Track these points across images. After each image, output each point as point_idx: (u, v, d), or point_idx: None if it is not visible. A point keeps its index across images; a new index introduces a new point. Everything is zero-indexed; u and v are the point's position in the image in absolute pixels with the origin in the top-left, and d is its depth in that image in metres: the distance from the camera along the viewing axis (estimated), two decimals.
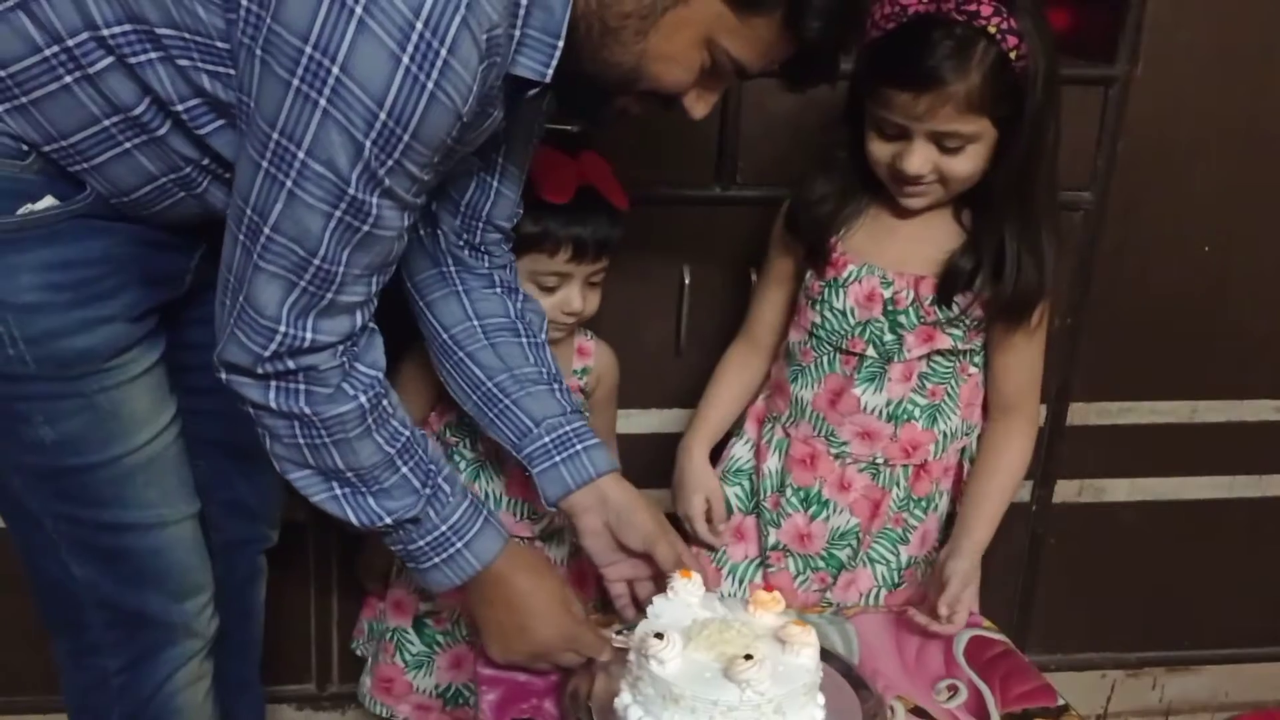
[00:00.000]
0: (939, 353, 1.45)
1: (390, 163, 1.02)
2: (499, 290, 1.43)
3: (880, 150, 1.38)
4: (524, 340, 1.42)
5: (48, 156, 1.13)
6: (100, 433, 1.23)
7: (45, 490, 1.25)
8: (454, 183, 1.35)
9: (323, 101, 0.98)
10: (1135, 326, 1.91)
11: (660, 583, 1.29)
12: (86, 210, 1.17)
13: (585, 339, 1.66)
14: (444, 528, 1.23)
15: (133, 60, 1.08)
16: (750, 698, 1.04)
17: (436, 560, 1.24)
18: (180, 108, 1.10)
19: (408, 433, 1.21)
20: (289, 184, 1.02)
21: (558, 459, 1.37)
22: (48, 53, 1.07)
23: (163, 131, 1.13)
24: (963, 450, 1.52)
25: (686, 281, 1.76)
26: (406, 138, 1.01)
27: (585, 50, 1.09)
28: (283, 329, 1.09)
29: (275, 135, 1.01)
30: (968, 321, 1.43)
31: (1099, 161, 1.80)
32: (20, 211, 1.13)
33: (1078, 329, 1.89)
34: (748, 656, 1.05)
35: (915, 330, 1.44)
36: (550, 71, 1.09)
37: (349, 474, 1.18)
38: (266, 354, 1.10)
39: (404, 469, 1.20)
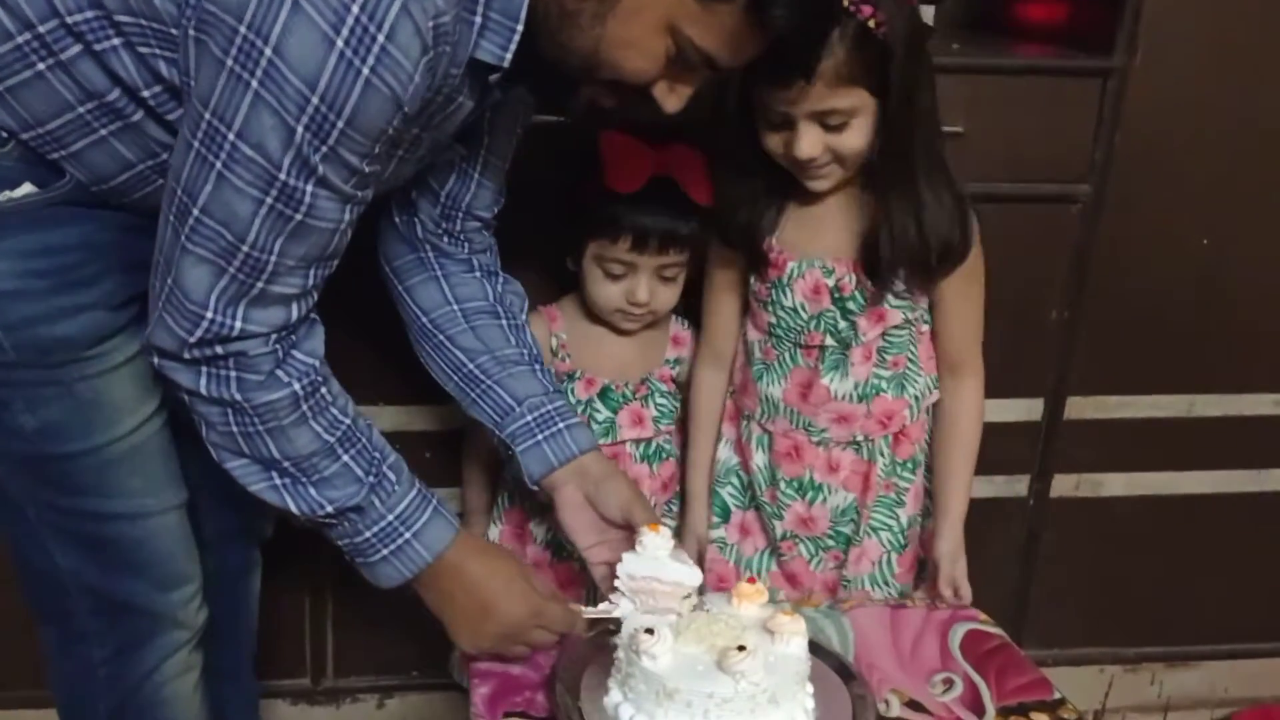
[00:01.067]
0: (893, 326, 1.47)
1: (324, 149, 1.00)
2: (478, 274, 1.43)
3: (773, 141, 1.38)
4: (504, 322, 1.42)
5: (26, 144, 1.13)
6: (81, 421, 1.22)
7: (27, 477, 1.24)
8: (434, 173, 1.34)
9: (254, 83, 0.97)
10: (1132, 320, 1.90)
11: None
12: (66, 197, 1.16)
13: (681, 328, 1.65)
14: (390, 517, 1.20)
15: (98, 47, 1.07)
16: (745, 688, 1.03)
17: (385, 552, 1.21)
18: (146, 94, 1.10)
19: (348, 420, 1.19)
20: (218, 165, 1.01)
21: (540, 437, 1.37)
22: (20, 40, 1.07)
23: (137, 118, 1.12)
24: (931, 408, 1.55)
25: None
26: (341, 124, 0.99)
27: (544, 35, 1.07)
28: (209, 315, 1.07)
29: (207, 115, 0.99)
30: (905, 290, 1.45)
31: (1096, 154, 1.79)
32: None
33: (1074, 322, 1.88)
34: (740, 648, 1.05)
35: (865, 313, 1.46)
36: (508, 56, 1.08)
37: (286, 463, 1.16)
38: (192, 340, 1.08)
39: (344, 457, 1.18)
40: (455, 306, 1.41)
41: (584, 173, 1.51)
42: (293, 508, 1.18)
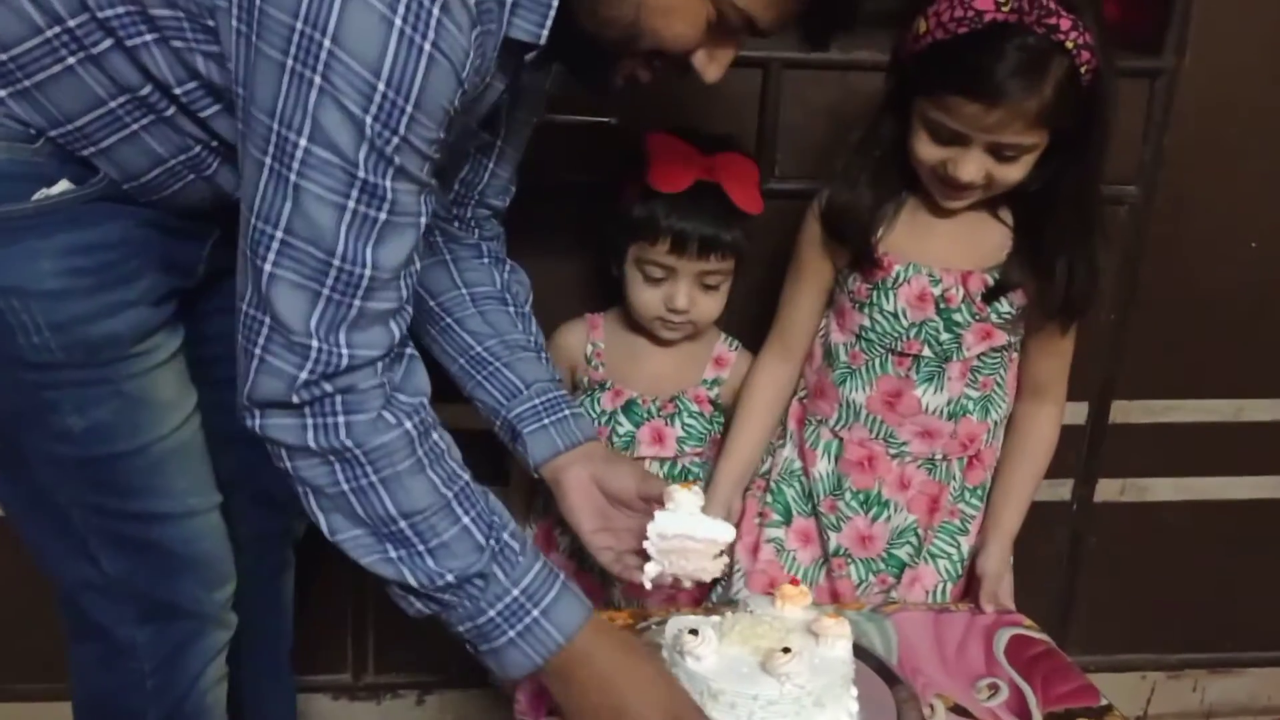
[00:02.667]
0: (994, 348, 1.45)
1: (396, 139, 0.98)
2: (486, 260, 1.41)
3: (930, 153, 1.35)
4: (510, 309, 1.40)
5: (55, 141, 1.11)
6: (130, 420, 1.20)
7: (76, 481, 1.22)
8: (450, 160, 1.32)
9: (317, 79, 0.94)
10: (1180, 323, 1.88)
11: (643, 553, 1.25)
12: (102, 193, 1.14)
13: (727, 348, 1.61)
14: (516, 591, 1.10)
15: (130, 43, 1.05)
16: (790, 690, 1.03)
17: (511, 634, 1.10)
18: (179, 90, 1.08)
19: (466, 476, 1.11)
20: (293, 177, 0.97)
21: (546, 421, 1.35)
22: (49, 34, 1.05)
23: (170, 112, 1.10)
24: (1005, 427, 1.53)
25: None
26: (409, 108, 0.97)
27: (581, 8, 1.06)
28: (315, 344, 1.02)
29: (274, 125, 0.97)
30: (1016, 315, 1.43)
31: (1145, 155, 1.78)
32: (35, 196, 1.11)
33: (1122, 325, 1.87)
34: (785, 650, 1.04)
35: (972, 328, 1.43)
36: (544, 33, 1.06)
37: (403, 524, 1.07)
38: (303, 376, 1.03)
39: (465, 519, 1.09)
40: (464, 291, 1.39)
41: (628, 174, 1.50)
42: (410, 579, 1.09)
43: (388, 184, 1.00)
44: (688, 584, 1.26)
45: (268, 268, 1.00)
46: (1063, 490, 1.96)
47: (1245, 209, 1.84)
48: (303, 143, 0.96)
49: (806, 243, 1.50)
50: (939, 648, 1.33)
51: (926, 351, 1.44)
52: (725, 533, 1.19)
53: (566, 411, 1.36)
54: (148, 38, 1.05)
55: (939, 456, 1.48)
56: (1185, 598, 2.07)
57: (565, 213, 1.66)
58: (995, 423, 1.49)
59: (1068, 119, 1.30)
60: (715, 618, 1.15)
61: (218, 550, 1.32)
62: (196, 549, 1.29)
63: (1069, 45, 1.25)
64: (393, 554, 1.08)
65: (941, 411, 1.46)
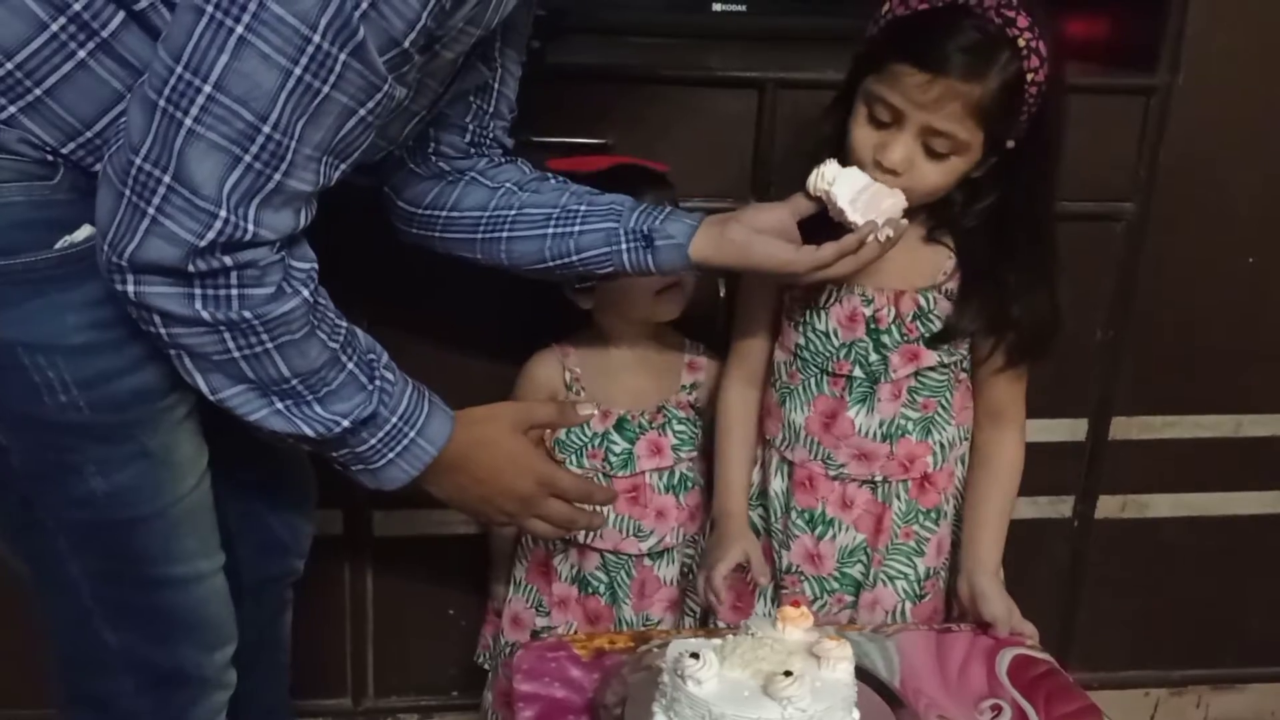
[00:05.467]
0: (927, 368, 1.43)
1: (365, 5, 0.92)
2: (506, 160, 1.41)
3: (865, 137, 1.32)
4: (552, 179, 1.39)
5: (73, 163, 1.04)
6: (152, 481, 1.15)
7: (90, 551, 1.16)
8: (459, 100, 1.32)
9: None
10: (1178, 339, 1.88)
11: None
12: None
13: (695, 355, 1.63)
14: (394, 419, 1.14)
15: (138, 6, 0.99)
16: (792, 714, 1.02)
17: (390, 455, 1.16)
18: None
19: (344, 324, 1.11)
20: (239, 29, 0.90)
21: (665, 213, 1.33)
22: (54, 27, 0.99)
23: None
24: (962, 457, 1.50)
25: (721, 294, 1.75)
26: None
27: None
28: (223, 213, 0.95)
29: None
30: (959, 356, 1.43)
31: (1140, 172, 1.78)
32: (59, 245, 1.05)
33: (1119, 342, 1.87)
34: (787, 673, 1.04)
35: (899, 350, 1.41)
36: None
37: (294, 381, 1.07)
38: (203, 243, 0.95)
39: (349, 365, 1.11)
40: (508, 185, 1.37)
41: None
42: (306, 430, 1.10)
43: (341, 56, 0.94)
44: (889, 231, 1.28)
45: (188, 122, 0.93)
46: (1063, 507, 1.96)
47: (1240, 225, 1.84)
48: None
49: None
50: (941, 669, 1.32)
51: (857, 372, 1.43)
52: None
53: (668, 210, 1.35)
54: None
55: (879, 478, 1.46)
56: (1187, 614, 2.07)
57: None
58: (940, 444, 1.46)
59: (1002, 125, 1.30)
60: (716, 641, 1.14)
61: (222, 613, 1.28)
62: (203, 614, 1.25)
63: (1020, 43, 1.26)
64: (279, 405, 1.08)
65: (875, 434, 1.44)
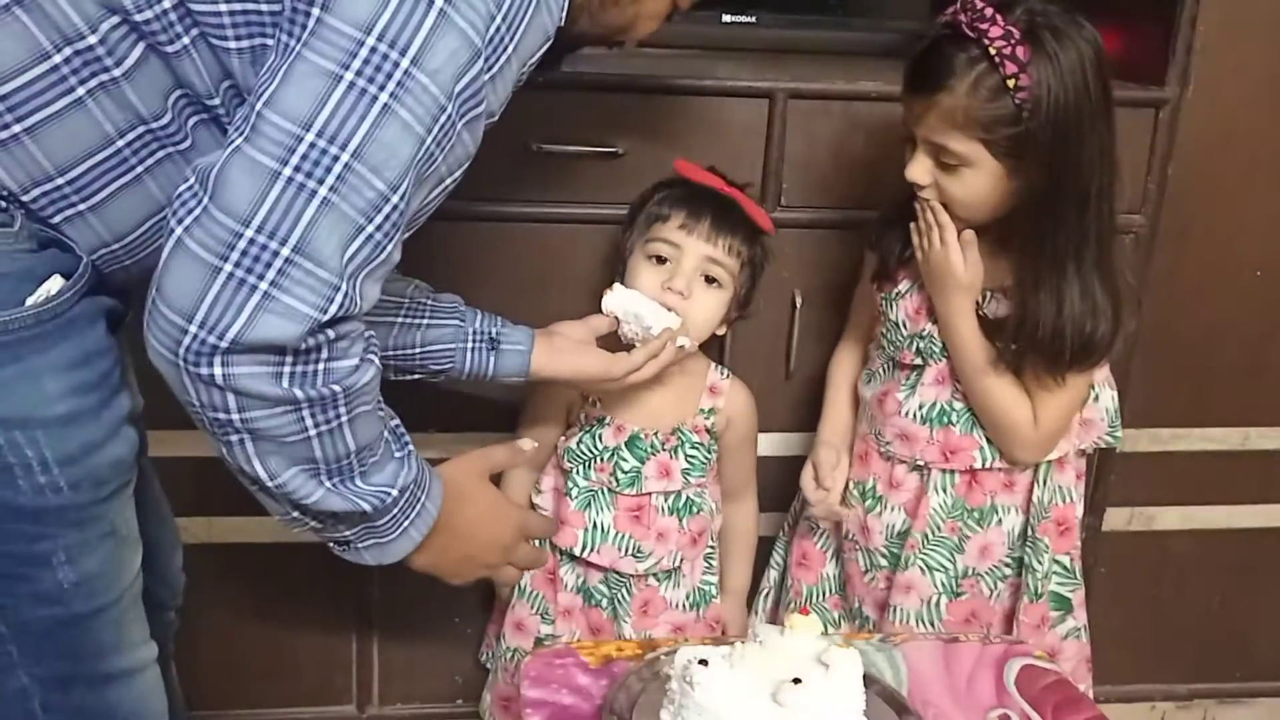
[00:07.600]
0: None
1: (486, 78, 0.91)
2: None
3: (910, 167, 1.40)
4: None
5: (32, 213, 0.95)
6: (116, 563, 1.04)
7: (47, 651, 1.02)
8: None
9: (439, 1, 0.86)
10: (1186, 352, 1.89)
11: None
12: (88, 286, 0.98)
13: (720, 377, 1.62)
14: (413, 485, 1.09)
15: (170, 49, 0.93)
16: None
17: (405, 524, 1.09)
18: (216, 100, 0.97)
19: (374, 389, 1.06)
20: (384, 98, 0.86)
21: (506, 324, 1.41)
22: (57, 59, 0.91)
23: (186, 145, 0.98)
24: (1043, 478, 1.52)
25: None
26: (511, 47, 0.91)
27: (585, 12, 1.06)
28: (343, 286, 0.89)
29: (369, 39, 0.85)
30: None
31: (1150, 185, 1.78)
32: (31, 300, 0.94)
33: (1128, 354, 1.86)
34: (796, 680, 1.04)
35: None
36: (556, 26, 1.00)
37: (352, 457, 1.00)
38: (325, 318, 0.88)
39: (385, 433, 1.05)
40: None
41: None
42: (364, 506, 1.03)
43: (460, 125, 0.92)
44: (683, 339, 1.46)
45: (323, 191, 0.86)
46: None
47: (1250, 237, 1.84)
48: (404, 62, 0.86)
49: (867, 248, 1.59)
50: (949, 678, 1.32)
51: (918, 361, 1.50)
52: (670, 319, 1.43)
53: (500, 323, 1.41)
54: (185, 40, 0.93)
55: (921, 462, 1.51)
56: (1194, 627, 2.07)
57: (570, 243, 1.67)
58: (989, 440, 1.49)
59: (1005, 137, 1.32)
60: (725, 648, 1.14)
61: (161, 706, 1.15)
62: (146, 708, 1.12)
63: (992, 52, 1.28)
64: (328, 484, 1.00)
65: (916, 415, 1.50)
